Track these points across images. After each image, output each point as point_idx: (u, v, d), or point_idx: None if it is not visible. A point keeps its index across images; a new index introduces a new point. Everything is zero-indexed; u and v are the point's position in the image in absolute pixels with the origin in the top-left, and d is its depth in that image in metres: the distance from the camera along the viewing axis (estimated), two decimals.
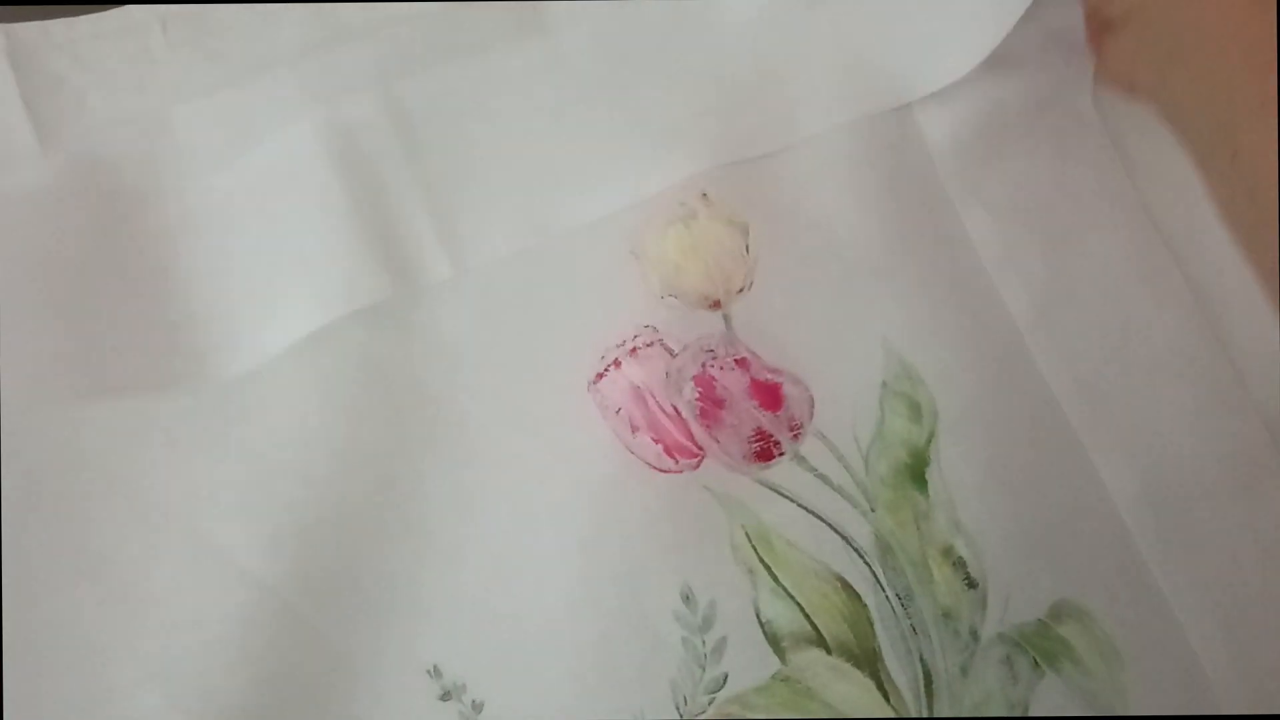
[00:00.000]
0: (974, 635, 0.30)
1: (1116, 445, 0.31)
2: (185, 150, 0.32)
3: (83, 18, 0.34)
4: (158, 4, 0.34)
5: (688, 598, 0.30)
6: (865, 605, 0.30)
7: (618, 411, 0.30)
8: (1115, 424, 0.32)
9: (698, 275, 0.30)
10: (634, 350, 0.30)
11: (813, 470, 0.31)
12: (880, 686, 0.29)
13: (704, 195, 0.30)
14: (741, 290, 0.30)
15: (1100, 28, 0.31)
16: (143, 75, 0.33)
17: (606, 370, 0.30)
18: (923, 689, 0.29)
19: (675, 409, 0.30)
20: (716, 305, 0.31)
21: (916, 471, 0.31)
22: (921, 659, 0.30)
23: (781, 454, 0.30)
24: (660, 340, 0.30)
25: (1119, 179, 0.33)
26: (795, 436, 0.30)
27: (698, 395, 0.29)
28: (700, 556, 0.30)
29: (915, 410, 0.31)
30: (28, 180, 0.31)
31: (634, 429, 0.30)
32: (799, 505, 0.31)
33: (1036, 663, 0.30)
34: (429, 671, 0.29)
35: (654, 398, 0.30)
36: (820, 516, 0.30)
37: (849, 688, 0.29)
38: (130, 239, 0.32)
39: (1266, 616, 0.30)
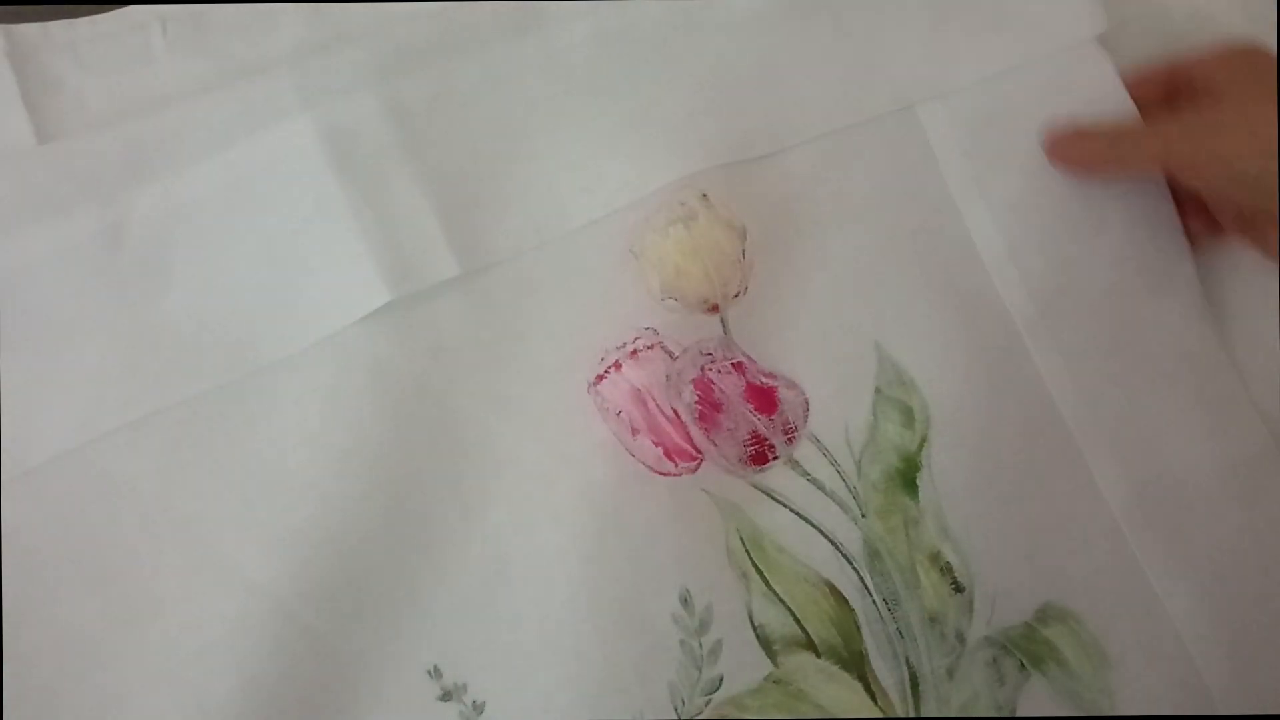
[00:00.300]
0: (960, 638, 0.31)
1: (1113, 448, 0.32)
2: (179, 137, 0.32)
3: (83, 19, 0.34)
4: (158, 4, 0.34)
5: (685, 600, 0.31)
6: (853, 610, 0.31)
7: (618, 414, 0.30)
8: (1113, 427, 0.32)
9: (697, 279, 0.30)
10: (634, 353, 0.31)
11: (806, 475, 0.31)
12: (868, 689, 0.30)
13: (704, 196, 0.30)
14: (738, 295, 0.31)
15: (1244, 217, 0.32)
16: (143, 75, 0.33)
17: (607, 372, 0.30)
18: (909, 691, 0.30)
19: (675, 412, 0.30)
20: (714, 309, 0.31)
21: (908, 477, 0.31)
22: (907, 662, 0.30)
23: (776, 458, 0.31)
24: (661, 343, 0.31)
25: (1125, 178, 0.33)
26: (790, 440, 0.31)
27: (697, 399, 0.30)
28: (698, 560, 0.31)
29: (908, 415, 0.32)
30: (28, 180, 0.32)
31: (634, 431, 0.30)
32: (791, 510, 0.31)
33: (1023, 665, 0.30)
34: (429, 672, 0.30)
35: (654, 400, 0.30)
36: (811, 522, 0.31)
37: (838, 690, 0.30)
38: (126, 243, 0.32)
39: (1264, 618, 0.31)
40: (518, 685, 0.30)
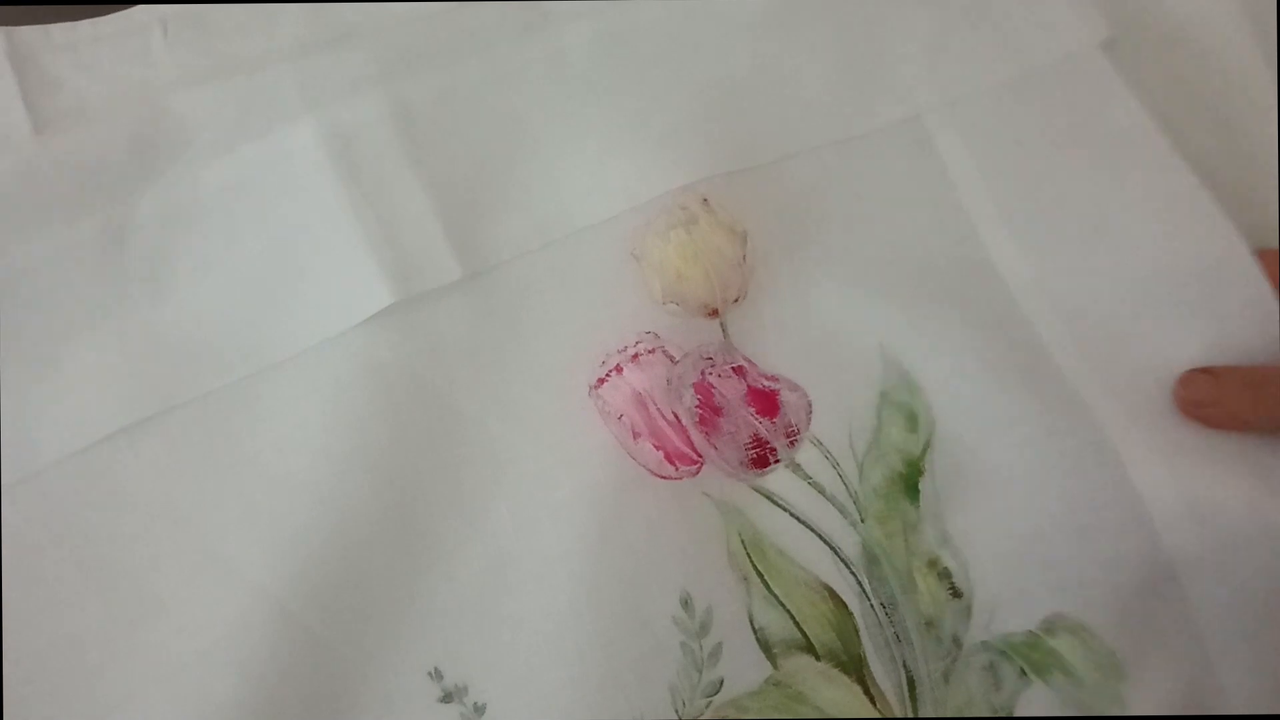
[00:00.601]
0: (956, 643, 0.31)
1: (1161, 458, 0.30)
2: (181, 138, 0.32)
3: (84, 21, 0.34)
4: (158, 4, 0.34)
5: (686, 603, 0.31)
6: (851, 614, 0.31)
7: (620, 417, 0.30)
8: (1160, 435, 0.30)
9: (698, 283, 0.30)
10: (635, 356, 0.31)
11: (807, 478, 0.31)
12: (867, 691, 0.30)
13: (704, 200, 0.31)
14: (738, 300, 0.31)
15: None
16: (143, 77, 0.34)
17: (608, 375, 0.31)
18: (906, 694, 0.30)
19: (676, 416, 0.31)
20: (715, 314, 0.31)
21: (910, 482, 0.31)
22: (905, 665, 0.31)
23: (777, 461, 0.31)
24: (662, 347, 0.31)
25: (1148, 182, 0.33)
26: (791, 443, 0.31)
27: (697, 403, 0.30)
28: (699, 563, 0.31)
29: (911, 420, 0.32)
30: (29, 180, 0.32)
31: (635, 435, 0.30)
32: (791, 514, 0.31)
33: (1024, 671, 0.30)
34: (430, 674, 0.30)
35: (655, 404, 0.30)
36: (811, 526, 0.31)
37: (837, 692, 0.30)
38: (129, 244, 0.32)
39: None
40: (518, 687, 0.30)
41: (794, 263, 0.33)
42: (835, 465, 0.32)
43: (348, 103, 0.32)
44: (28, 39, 0.34)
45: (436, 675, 0.30)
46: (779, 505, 0.31)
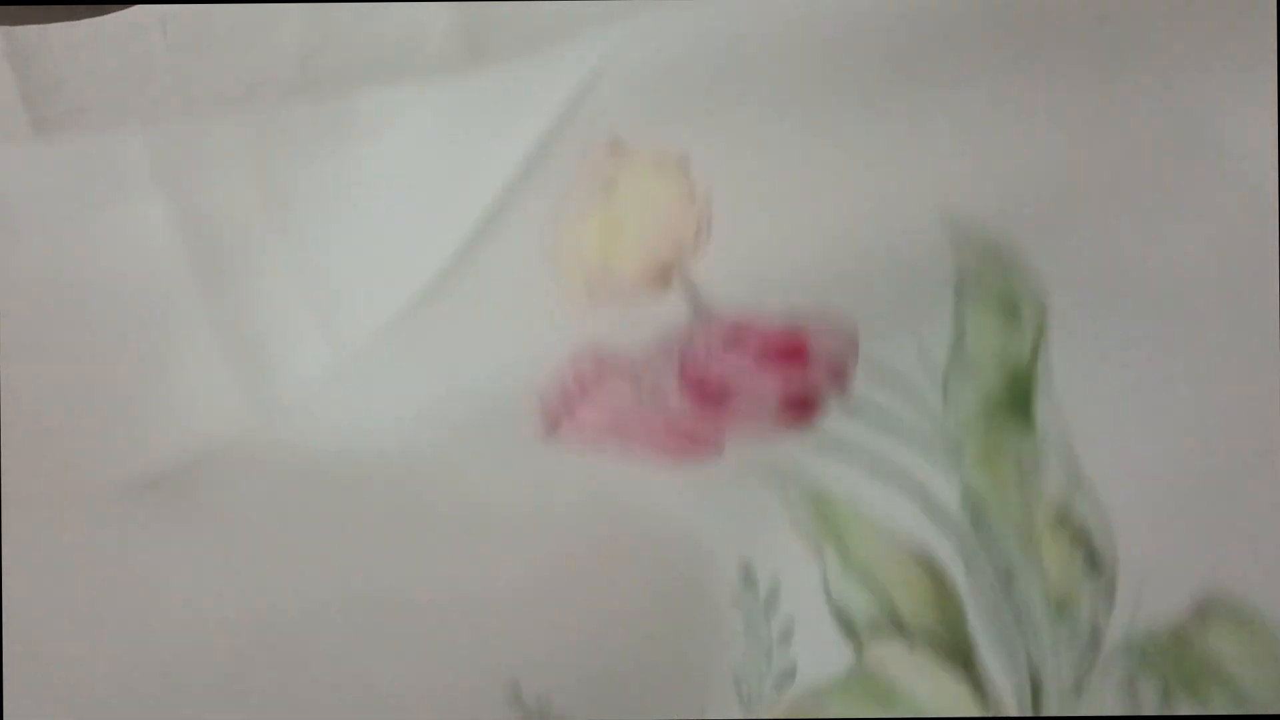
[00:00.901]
0: (1095, 637, 0.22)
1: None
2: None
3: (84, 21, 0.33)
4: (159, 4, 0.32)
5: (748, 575, 0.25)
6: (955, 587, 0.23)
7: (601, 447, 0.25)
8: None
9: (633, 255, 0.23)
10: (583, 390, 0.24)
11: (874, 416, 0.23)
12: (978, 689, 0.24)
13: (616, 144, 0.22)
14: (699, 238, 0.23)
15: None
16: (144, 79, 0.32)
17: (559, 421, 0.24)
18: (1029, 703, 0.23)
19: (667, 420, 0.24)
20: (669, 278, 0.23)
21: (1018, 400, 0.22)
22: (1030, 661, 0.23)
23: (827, 407, 0.24)
24: (609, 365, 0.24)
25: None
26: (841, 383, 0.23)
27: (689, 404, 0.23)
28: (757, 532, 0.25)
29: (1011, 308, 0.22)
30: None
31: (630, 451, 0.24)
32: (860, 466, 0.24)
33: (1168, 691, 0.21)
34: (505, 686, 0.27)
35: (638, 421, 0.24)
36: (889, 477, 0.24)
37: (939, 688, 0.24)
38: None
39: None
40: (583, 684, 0.27)
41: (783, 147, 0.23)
42: (908, 391, 0.23)
43: (216, 182, 0.28)
44: (28, 39, 0.33)
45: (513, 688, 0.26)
46: (842, 457, 0.24)
